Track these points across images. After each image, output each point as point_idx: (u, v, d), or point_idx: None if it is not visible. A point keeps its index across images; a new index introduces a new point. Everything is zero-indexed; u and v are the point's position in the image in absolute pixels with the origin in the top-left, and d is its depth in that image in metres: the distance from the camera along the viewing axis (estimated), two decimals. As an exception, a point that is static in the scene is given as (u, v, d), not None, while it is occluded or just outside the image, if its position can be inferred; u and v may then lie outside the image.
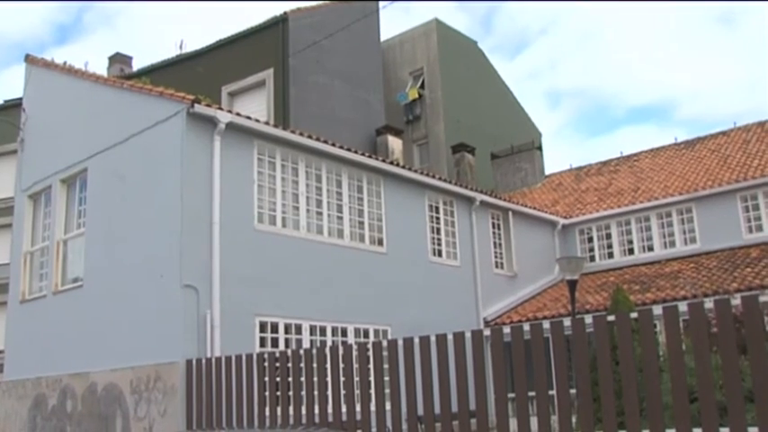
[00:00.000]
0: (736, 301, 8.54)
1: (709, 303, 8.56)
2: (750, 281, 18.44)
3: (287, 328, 15.91)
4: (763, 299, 8.34)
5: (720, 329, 8.24)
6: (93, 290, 16.22)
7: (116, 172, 15.22)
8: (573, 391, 9.23)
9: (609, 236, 25.92)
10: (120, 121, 16.40)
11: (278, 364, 11.95)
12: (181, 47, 31.34)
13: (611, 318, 9.20)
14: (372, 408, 10.73)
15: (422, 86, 34.46)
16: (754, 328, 8.01)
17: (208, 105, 15.08)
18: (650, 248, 24.89)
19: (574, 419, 9.24)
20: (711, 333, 8.63)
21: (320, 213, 17.38)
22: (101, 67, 36.57)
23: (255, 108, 24.88)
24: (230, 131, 15.36)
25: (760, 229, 22.82)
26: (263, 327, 15.39)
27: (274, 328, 15.64)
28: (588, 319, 9.69)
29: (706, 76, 79.09)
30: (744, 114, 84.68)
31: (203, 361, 13.19)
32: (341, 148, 17.80)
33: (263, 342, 15.27)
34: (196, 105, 14.63)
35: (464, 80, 35.44)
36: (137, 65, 34.65)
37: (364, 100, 30.05)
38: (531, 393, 9.36)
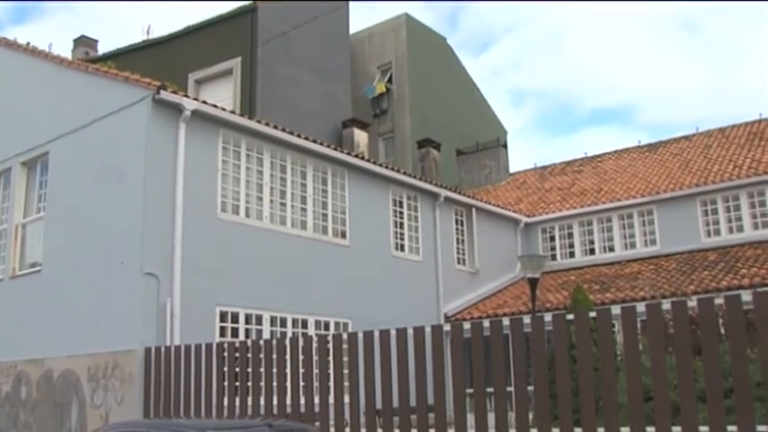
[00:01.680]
0: (693, 303, 8.66)
1: (666, 305, 8.67)
2: (707, 284, 18.72)
3: (247, 319, 15.87)
4: (718, 301, 8.46)
5: (676, 331, 8.36)
6: (51, 275, 16.03)
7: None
8: (530, 388, 9.31)
9: (571, 235, 26.13)
10: (84, 106, 16.21)
11: (237, 355, 11.91)
12: (148, 32, 30.99)
13: (570, 316, 9.29)
14: (331, 400, 10.75)
15: (389, 81, 34.44)
16: (708, 330, 8.14)
17: (173, 92, 14.96)
18: (611, 249, 25.14)
19: (531, 416, 9.33)
20: (668, 334, 8.76)
21: (284, 204, 17.34)
22: (65, 50, 36.07)
23: (222, 97, 24.70)
24: (196, 119, 15.26)
25: (718, 233, 23.16)
26: (223, 316, 15.33)
27: (235, 318, 15.59)
28: (547, 317, 9.79)
29: (669, 82, 80.00)
30: (704, 120, 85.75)
31: (162, 349, 13.11)
32: (306, 139, 17.77)
33: (222, 332, 15.21)
34: (162, 92, 14.51)
35: (432, 76, 35.49)
36: (102, 49, 34.24)
37: (331, 92, 29.99)
38: (490, 389, 9.42)
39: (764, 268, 18.96)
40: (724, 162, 24.79)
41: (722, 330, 8.81)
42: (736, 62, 79.43)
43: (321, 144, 18.31)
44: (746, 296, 8.23)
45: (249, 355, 11.89)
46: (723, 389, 7.95)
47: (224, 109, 16.24)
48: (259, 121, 16.98)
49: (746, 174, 23.07)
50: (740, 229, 22.84)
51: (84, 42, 34.59)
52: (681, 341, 8.26)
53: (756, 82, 74.87)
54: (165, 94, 14.58)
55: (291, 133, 17.39)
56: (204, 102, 15.84)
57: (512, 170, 33.49)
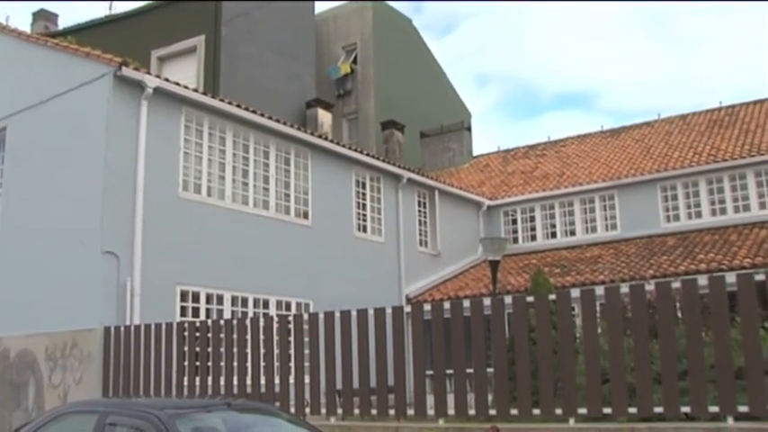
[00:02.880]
0: (651, 287, 8.78)
1: (624, 289, 8.78)
2: (665, 268, 18.97)
3: (208, 298, 15.81)
4: (675, 286, 8.59)
5: (634, 314, 8.49)
6: (8, 252, 15.80)
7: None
8: (490, 369, 9.39)
9: (533, 219, 26.29)
10: (44, 81, 15.96)
11: (198, 334, 11.87)
12: (110, 7, 30.59)
13: (530, 299, 9.38)
14: (291, 380, 10.76)
15: (354, 61, 34.31)
16: (665, 314, 8.27)
17: (136, 69, 14.79)
18: (572, 233, 25.36)
19: (490, 398, 9.42)
20: (626, 317, 8.88)
21: (246, 184, 17.26)
22: (23, 24, 35.48)
23: (185, 75, 24.42)
24: (158, 97, 15.11)
25: (677, 218, 23.45)
26: (184, 296, 15.26)
27: (196, 298, 15.52)
28: (508, 299, 9.87)
29: (631, 69, 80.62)
30: (664, 109, 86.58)
31: (122, 329, 13.02)
32: (269, 118, 17.68)
33: (183, 311, 15.13)
34: (123, 68, 14.34)
35: (397, 57, 35.40)
36: (62, 23, 33.69)
37: (295, 73, 29.81)
38: (449, 371, 9.49)
39: (721, 254, 19.26)
40: (684, 149, 25.09)
41: (679, 314, 8.94)
42: (697, 51, 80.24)
43: (284, 124, 18.23)
44: (703, 281, 8.35)
45: (210, 334, 11.86)
46: (678, 371, 8.09)
47: (187, 87, 16.09)
48: (222, 100, 16.85)
49: (706, 161, 23.37)
50: (699, 215, 23.15)
51: (43, 16, 33.97)
52: (638, 324, 8.39)
53: (716, 70, 75.74)
54: (126, 71, 14.41)
55: (254, 112, 17.29)
56: (167, 79, 15.68)
57: (475, 153, 33.58)
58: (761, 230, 20.61)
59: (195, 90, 16.77)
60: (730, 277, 8.15)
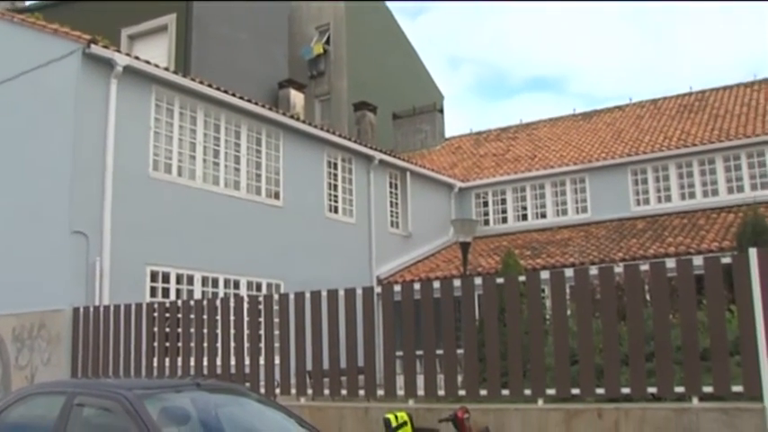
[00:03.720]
0: (620, 269, 8.85)
1: (594, 271, 8.85)
2: (635, 251, 19.14)
3: (179, 279, 15.73)
4: (644, 268, 8.67)
5: (603, 296, 8.56)
6: (-25, 232, 15.62)
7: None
8: (460, 351, 9.44)
9: (504, 201, 26.40)
10: (10, 57, 15.72)
11: (168, 315, 11.81)
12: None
13: (499, 280, 9.42)
14: (262, 361, 10.75)
15: (327, 42, 34.13)
16: (633, 296, 8.35)
17: (105, 47, 14.61)
18: (543, 215, 25.50)
19: (459, 378, 9.47)
20: (595, 299, 8.95)
21: (217, 164, 17.16)
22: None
23: (156, 54, 24.12)
24: (128, 75, 14.95)
25: (647, 202, 23.67)
26: (154, 276, 15.17)
27: (166, 278, 15.44)
28: (478, 280, 9.91)
29: (602, 53, 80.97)
30: (635, 93, 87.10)
31: (91, 309, 12.92)
32: (241, 98, 17.57)
33: (153, 292, 15.05)
34: (92, 46, 14.17)
35: (370, 38, 35.24)
36: None
37: (268, 53, 29.61)
38: (419, 352, 9.52)
39: (689, 237, 19.46)
40: (655, 133, 25.30)
41: (647, 297, 9.03)
42: (669, 36, 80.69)
43: (256, 104, 18.12)
44: (671, 264, 8.44)
45: (179, 315, 11.81)
46: (645, 353, 8.18)
47: (157, 66, 15.93)
48: (193, 79, 16.71)
49: (676, 145, 23.58)
50: (668, 198, 23.38)
51: (11, -8, 33.40)
52: (607, 306, 8.47)
53: (688, 55, 76.18)
54: (95, 49, 14.24)
55: (226, 92, 17.17)
56: (137, 58, 15.52)
57: (447, 135, 33.64)
58: (728, 215, 20.84)
59: (166, 69, 16.61)
60: (698, 260, 8.25)
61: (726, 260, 8.14)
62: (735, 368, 7.84)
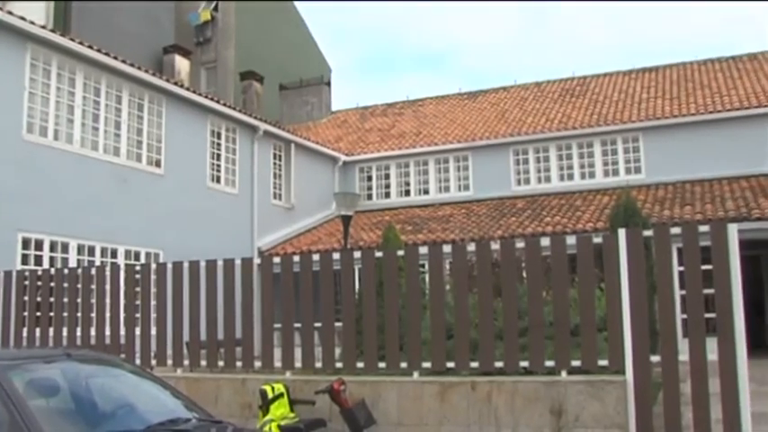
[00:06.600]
0: (497, 246, 9.04)
1: (471, 247, 9.00)
2: (513, 229, 19.61)
3: (53, 246, 15.24)
4: (519, 245, 8.88)
5: (479, 272, 8.73)
6: None
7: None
8: (339, 324, 9.48)
9: (388, 176, 26.58)
10: None
11: (40, 284, 11.42)
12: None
13: (379, 254, 9.48)
14: (138, 332, 10.54)
15: (215, 9, 33.48)
16: (509, 273, 8.56)
17: (-24, 1, 13.95)
18: (426, 192, 25.81)
19: (337, 351, 9.52)
20: (472, 275, 9.12)
21: (96, 129, 16.65)
22: None
23: (33, 12, 23.20)
24: (0, 31, 14.30)
25: (527, 182, 24.28)
26: (26, 243, 14.67)
27: (39, 246, 14.94)
28: (357, 254, 9.96)
29: (488, 32, 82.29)
30: (520, 74, 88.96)
31: (-44, 276, 12.36)
32: (123, 62, 17.07)
33: (25, 260, 14.57)
34: (-37, 0, 13.49)
35: (259, 7, 34.75)
36: None
37: (153, 16, 28.88)
38: (298, 324, 9.52)
39: (566, 217, 20.07)
40: (537, 115, 25.94)
41: (523, 274, 9.25)
42: (552, 19, 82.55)
43: (138, 68, 17.63)
44: (546, 242, 8.67)
45: (52, 284, 11.43)
46: (519, 328, 8.41)
47: (33, 23, 15.28)
48: (72, 39, 16.12)
49: (557, 128, 24.24)
50: (548, 179, 24.05)
51: None
52: (483, 282, 8.64)
53: (572, 38, 78.14)
54: (-33, 3, 13.56)
55: (107, 54, 16.64)
56: (10, 12, 14.84)
57: (334, 108, 33.60)
58: (604, 197, 21.59)
59: (43, 27, 15.96)
60: (571, 240, 8.49)
61: (598, 240, 8.41)
62: (602, 343, 8.14)
